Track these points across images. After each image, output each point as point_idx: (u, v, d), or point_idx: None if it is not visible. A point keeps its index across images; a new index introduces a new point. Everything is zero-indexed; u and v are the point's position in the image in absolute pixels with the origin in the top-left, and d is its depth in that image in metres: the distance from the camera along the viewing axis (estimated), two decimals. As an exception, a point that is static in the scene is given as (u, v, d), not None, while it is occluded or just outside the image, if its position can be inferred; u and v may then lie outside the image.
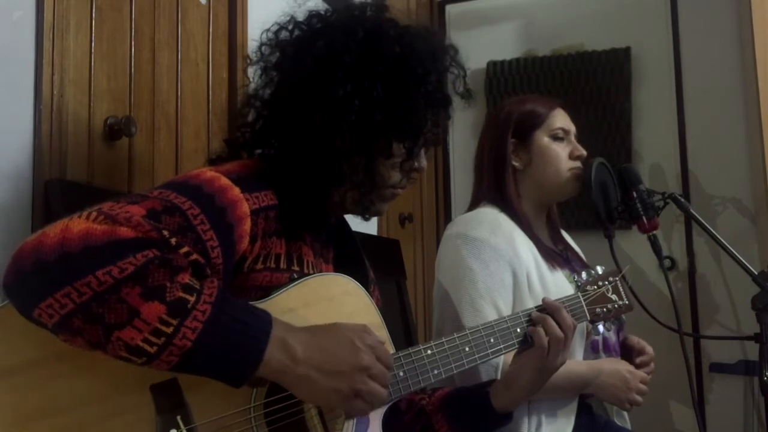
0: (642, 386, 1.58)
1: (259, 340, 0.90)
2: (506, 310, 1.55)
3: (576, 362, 1.57)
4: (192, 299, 0.87)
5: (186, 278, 0.88)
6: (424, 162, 1.21)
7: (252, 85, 1.20)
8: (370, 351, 0.98)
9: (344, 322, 1.00)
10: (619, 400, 1.58)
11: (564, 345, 1.26)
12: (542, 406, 1.56)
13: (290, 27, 1.17)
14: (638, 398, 1.57)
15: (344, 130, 1.10)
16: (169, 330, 0.85)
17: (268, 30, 1.19)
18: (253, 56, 1.20)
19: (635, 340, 1.68)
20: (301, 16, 1.17)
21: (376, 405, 0.99)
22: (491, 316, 1.51)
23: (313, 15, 1.17)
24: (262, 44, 1.19)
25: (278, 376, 0.93)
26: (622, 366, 1.59)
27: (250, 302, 1.02)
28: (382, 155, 1.14)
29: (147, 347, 0.85)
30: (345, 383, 0.95)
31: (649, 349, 1.66)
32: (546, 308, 1.28)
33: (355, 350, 0.97)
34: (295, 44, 1.16)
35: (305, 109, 1.10)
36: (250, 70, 1.22)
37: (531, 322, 1.27)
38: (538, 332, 1.25)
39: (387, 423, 1.27)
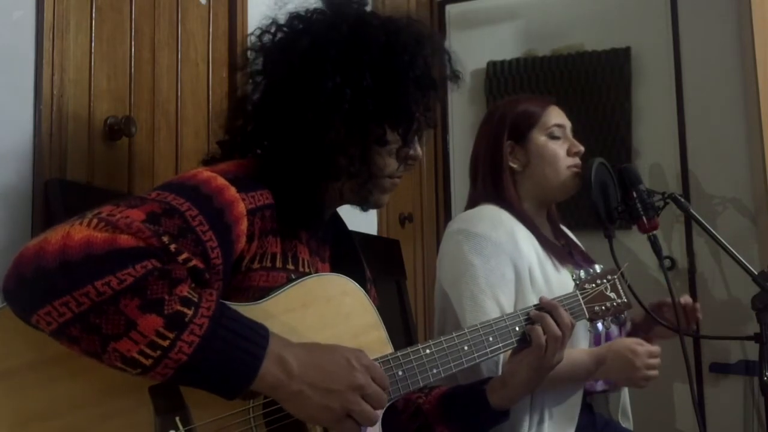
0: (652, 360, 1.53)
1: (255, 355, 0.90)
2: (508, 305, 1.55)
3: (578, 351, 1.55)
4: (189, 313, 0.87)
5: (185, 291, 0.88)
6: (419, 149, 1.22)
7: (240, 91, 1.21)
8: (365, 371, 0.98)
9: (341, 345, 1.00)
10: (630, 381, 1.56)
11: (561, 343, 1.26)
12: (545, 403, 1.55)
13: (273, 30, 1.18)
14: (650, 373, 1.52)
15: (337, 122, 1.10)
16: (166, 343, 0.85)
17: (251, 34, 1.20)
18: (240, 61, 1.21)
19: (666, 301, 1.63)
20: (282, 19, 1.18)
21: (366, 426, 0.98)
22: (493, 311, 1.52)
23: (294, 16, 1.17)
24: (246, 49, 1.20)
25: (272, 391, 0.93)
26: (624, 346, 1.55)
27: (251, 302, 1.02)
28: (377, 143, 1.15)
29: (142, 359, 0.85)
30: (337, 402, 0.95)
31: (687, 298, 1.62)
32: (544, 307, 1.29)
33: (351, 369, 0.97)
34: (280, 46, 1.16)
35: (297, 106, 1.10)
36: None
37: (529, 320, 1.27)
38: (536, 330, 1.25)
39: (384, 422, 1.27)
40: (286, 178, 1.10)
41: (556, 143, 1.72)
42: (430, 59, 1.17)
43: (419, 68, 1.14)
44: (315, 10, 1.18)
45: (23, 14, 1.32)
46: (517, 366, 1.27)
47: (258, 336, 0.92)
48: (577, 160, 1.72)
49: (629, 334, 1.70)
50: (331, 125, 1.10)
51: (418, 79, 1.14)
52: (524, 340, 1.27)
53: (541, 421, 1.55)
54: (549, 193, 1.73)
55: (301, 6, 1.19)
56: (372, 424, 0.98)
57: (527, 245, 1.63)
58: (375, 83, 1.11)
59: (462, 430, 1.31)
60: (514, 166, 1.72)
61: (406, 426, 1.33)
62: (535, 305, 1.31)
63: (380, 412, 1.01)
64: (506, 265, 1.58)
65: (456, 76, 1.23)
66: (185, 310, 0.87)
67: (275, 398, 0.95)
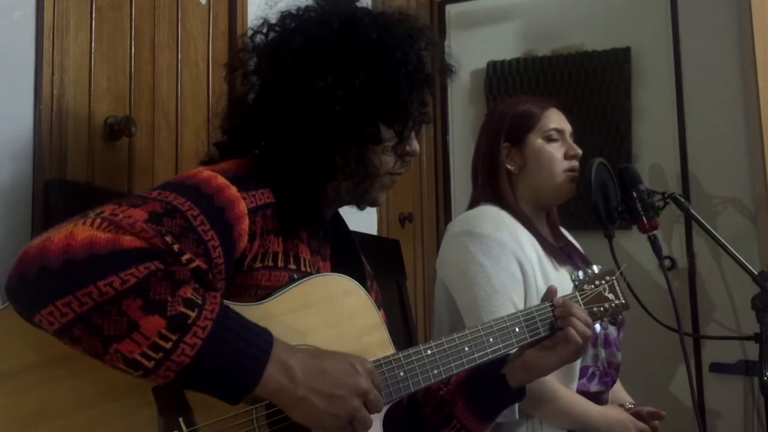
0: None
1: (258, 359, 0.90)
2: (521, 305, 1.55)
3: (592, 406, 1.58)
4: (193, 315, 0.86)
5: (188, 292, 0.88)
6: (415, 145, 1.21)
7: (235, 92, 1.21)
8: (368, 376, 0.98)
9: (344, 351, 1.00)
10: None
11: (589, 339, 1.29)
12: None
13: (264, 30, 1.17)
14: None
15: (331, 122, 1.10)
16: (168, 345, 0.84)
17: (243, 35, 1.20)
18: (233, 63, 1.21)
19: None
20: (274, 18, 1.18)
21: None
22: (508, 311, 1.51)
23: (286, 15, 1.17)
24: (239, 50, 1.20)
25: (275, 396, 0.93)
26: (626, 417, 1.61)
27: (254, 302, 1.02)
28: (372, 142, 1.14)
29: (144, 361, 0.84)
30: (342, 408, 0.94)
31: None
32: (561, 307, 1.30)
33: (355, 374, 0.96)
34: (272, 45, 1.16)
35: (291, 106, 1.10)
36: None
37: (529, 320, 1.27)
38: (571, 333, 1.26)
39: (406, 418, 1.27)
40: (285, 177, 1.10)
41: (553, 146, 1.71)
42: (423, 54, 1.16)
43: (412, 64, 1.14)
44: (307, 8, 1.17)
45: (23, 14, 1.32)
46: (548, 359, 1.28)
47: (262, 341, 0.91)
48: (573, 164, 1.71)
49: None
50: (325, 125, 1.10)
51: (410, 75, 1.13)
52: (552, 331, 1.29)
53: (539, 422, 1.56)
54: (544, 196, 1.72)
55: (293, 5, 1.19)
56: (368, 429, 0.99)
57: (528, 246, 1.62)
58: (368, 81, 1.11)
59: (480, 408, 1.30)
60: (511, 168, 1.72)
61: (430, 419, 1.32)
62: (536, 306, 1.31)
63: (377, 416, 1.00)
64: (514, 265, 1.58)
65: (450, 70, 1.22)
66: (188, 312, 0.86)
67: (278, 404, 0.95)
